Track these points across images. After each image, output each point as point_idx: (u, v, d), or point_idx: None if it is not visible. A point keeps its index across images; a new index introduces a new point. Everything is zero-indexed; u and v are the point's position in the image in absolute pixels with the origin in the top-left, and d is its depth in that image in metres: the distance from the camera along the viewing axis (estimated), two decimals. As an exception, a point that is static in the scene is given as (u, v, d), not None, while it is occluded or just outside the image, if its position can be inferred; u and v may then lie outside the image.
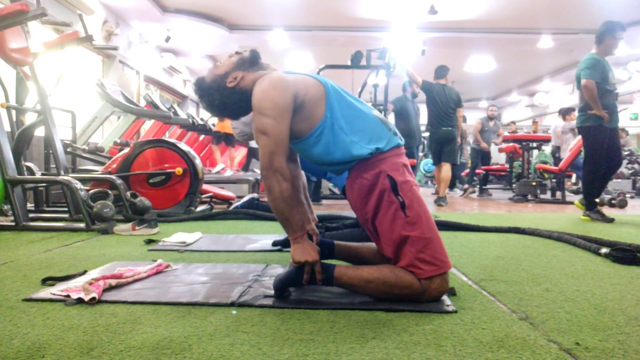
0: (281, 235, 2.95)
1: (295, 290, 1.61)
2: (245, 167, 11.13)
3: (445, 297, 1.53)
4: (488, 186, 8.55)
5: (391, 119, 6.86)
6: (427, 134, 7.39)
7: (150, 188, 3.99)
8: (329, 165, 1.64)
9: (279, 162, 1.46)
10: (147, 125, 6.80)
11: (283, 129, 1.49)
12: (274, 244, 2.19)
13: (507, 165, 8.38)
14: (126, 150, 4.15)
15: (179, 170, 3.97)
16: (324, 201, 5.93)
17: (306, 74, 1.65)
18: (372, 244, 1.77)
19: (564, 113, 8.10)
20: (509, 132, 8.79)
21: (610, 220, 4.01)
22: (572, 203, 6.27)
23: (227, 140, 7.18)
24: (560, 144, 8.11)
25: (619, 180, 8.77)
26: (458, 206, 5.78)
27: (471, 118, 11.38)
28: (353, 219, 2.85)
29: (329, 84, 1.63)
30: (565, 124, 8.10)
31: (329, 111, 1.56)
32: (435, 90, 5.93)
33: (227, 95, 1.63)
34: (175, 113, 6.20)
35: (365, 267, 1.53)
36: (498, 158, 10.11)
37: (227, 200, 5.07)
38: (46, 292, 1.56)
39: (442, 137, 5.91)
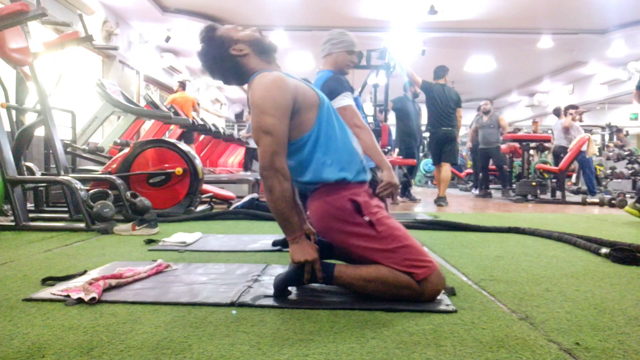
0: (281, 235, 2.95)
1: (295, 290, 1.61)
2: (245, 166, 11.14)
3: (445, 297, 1.53)
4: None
5: (391, 117, 6.85)
6: (427, 134, 7.37)
7: (150, 188, 3.99)
8: (294, 181, 1.63)
9: (280, 162, 1.46)
10: (147, 125, 6.80)
11: (285, 129, 1.48)
12: (274, 244, 2.19)
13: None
14: (126, 150, 4.15)
15: (179, 170, 3.97)
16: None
17: (305, 80, 1.66)
18: None
19: (566, 109, 8.03)
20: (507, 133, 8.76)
21: None
22: (572, 203, 6.28)
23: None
24: (566, 143, 8.04)
25: (619, 180, 8.77)
26: (458, 206, 5.78)
27: (471, 118, 11.38)
28: None
29: (324, 98, 1.63)
30: (562, 121, 8.06)
31: (317, 125, 1.56)
32: (435, 90, 5.93)
33: (223, 58, 1.63)
34: (176, 113, 6.20)
35: (365, 266, 1.53)
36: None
37: (227, 200, 5.07)
38: (46, 292, 1.56)
39: (442, 137, 5.91)
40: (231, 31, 1.66)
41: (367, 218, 1.51)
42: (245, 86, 1.65)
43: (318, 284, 1.58)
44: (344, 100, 2.47)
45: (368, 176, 1.66)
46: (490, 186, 8.23)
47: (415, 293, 1.47)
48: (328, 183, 1.55)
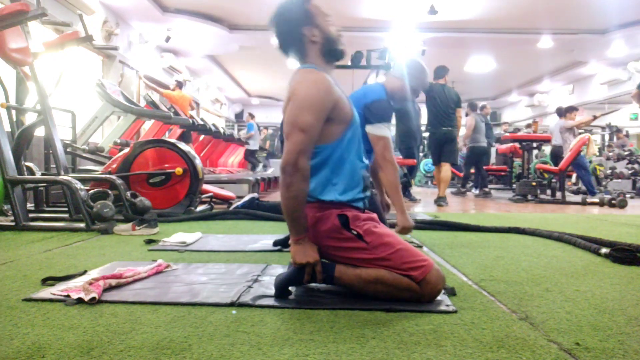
0: (281, 235, 2.95)
1: (295, 290, 1.61)
2: (253, 167, 11.16)
3: (445, 297, 1.53)
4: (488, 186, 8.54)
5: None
6: (427, 134, 7.36)
7: (150, 188, 3.99)
8: None
9: (303, 162, 1.45)
10: (147, 125, 6.80)
11: (318, 132, 1.48)
12: (275, 243, 2.18)
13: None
14: (126, 150, 4.15)
15: (179, 170, 3.97)
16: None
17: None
18: None
19: (565, 111, 8.05)
20: (506, 132, 8.78)
21: None
22: (572, 203, 6.28)
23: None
24: (562, 142, 8.06)
25: (619, 180, 8.76)
26: (458, 206, 5.78)
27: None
28: None
29: (356, 119, 1.63)
30: (564, 122, 8.06)
31: (339, 142, 1.56)
32: (435, 90, 5.93)
33: (292, 29, 1.60)
34: (176, 113, 6.20)
35: (365, 268, 1.53)
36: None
37: (227, 200, 5.07)
38: (46, 292, 1.56)
39: (442, 137, 5.91)
40: (319, 14, 1.63)
41: (354, 232, 1.52)
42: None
43: (318, 284, 1.59)
44: (384, 130, 2.43)
45: (364, 204, 1.65)
46: (490, 186, 8.25)
47: (416, 294, 1.47)
48: (322, 200, 1.55)
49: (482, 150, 7.98)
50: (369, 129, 2.42)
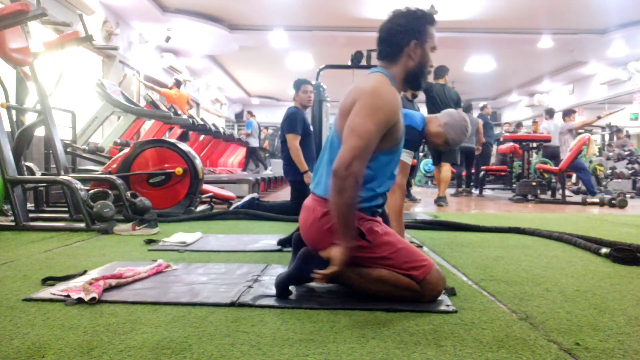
0: (281, 235, 2.95)
1: (295, 290, 1.61)
2: (245, 166, 11.14)
3: (445, 297, 1.53)
4: (488, 186, 8.55)
5: None
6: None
7: (151, 188, 3.99)
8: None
9: (357, 166, 1.41)
10: (147, 125, 6.80)
11: (375, 143, 1.47)
12: (280, 242, 2.16)
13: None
14: (126, 150, 4.15)
15: (179, 170, 3.97)
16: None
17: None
18: None
19: (564, 115, 8.09)
20: (507, 132, 8.78)
21: None
22: (572, 203, 6.28)
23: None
24: (560, 144, 8.09)
25: (619, 180, 8.76)
26: (458, 206, 5.78)
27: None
28: None
29: (402, 142, 1.63)
30: (564, 124, 8.08)
31: (380, 159, 1.55)
32: (435, 90, 5.93)
33: (401, 32, 1.59)
34: (176, 113, 6.20)
35: (366, 267, 1.53)
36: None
37: (227, 200, 5.07)
38: (46, 292, 1.56)
39: (442, 137, 5.89)
40: (432, 41, 1.63)
41: (357, 229, 1.52)
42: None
43: (319, 283, 1.59)
44: (405, 157, 2.48)
45: (372, 213, 1.64)
46: (490, 186, 8.26)
47: (416, 294, 1.47)
48: (326, 199, 1.55)
49: (467, 149, 8.00)
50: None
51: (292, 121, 4.15)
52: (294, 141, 4.10)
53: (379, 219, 1.64)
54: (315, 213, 1.57)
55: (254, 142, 11.14)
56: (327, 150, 1.62)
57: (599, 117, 7.85)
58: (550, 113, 8.77)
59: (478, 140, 7.92)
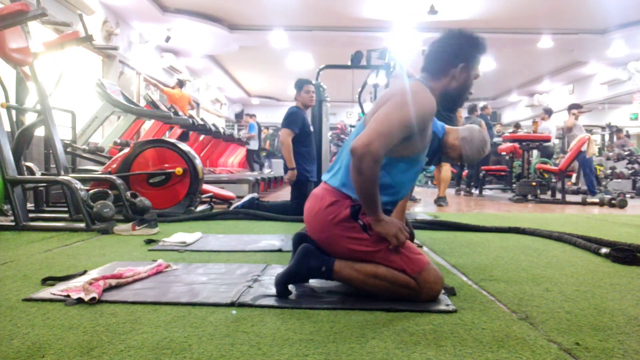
0: (281, 235, 2.95)
1: (295, 290, 1.61)
2: (252, 166, 11.15)
3: (445, 297, 1.53)
4: (487, 186, 8.55)
5: None
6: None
7: (150, 188, 3.99)
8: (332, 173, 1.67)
9: (376, 148, 1.42)
10: (147, 125, 6.80)
11: (398, 134, 1.47)
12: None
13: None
14: (126, 150, 4.15)
15: (179, 170, 3.97)
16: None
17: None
18: None
19: (570, 108, 7.99)
20: (498, 133, 8.78)
21: None
22: (572, 203, 6.28)
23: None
24: (568, 141, 8.03)
25: (619, 180, 8.77)
26: (458, 206, 5.78)
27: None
28: None
29: (425, 153, 1.65)
30: (567, 120, 8.03)
31: (403, 164, 1.58)
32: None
33: (452, 53, 1.60)
34: (176, 113, 6.20)
35: (364, 263, 1.54)
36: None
37: (227, 200, 5.07)
38: (46, 292, 1.56)
39: (442, 137, 5.89)
40: (476, 68, 1.65)
41: (360, 222, 1.53)
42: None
43: (318, 278, 1.58)
44: None
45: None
46: (490, 186, 8.27)
47: (414, 292, 1.48)
48: (347, 196, 1.56)
49: None
50: None
51: (291, 118, 4.17)
52: (287, 137, 4.12)
53: None
54: (323, 202, 1.59)
55: (254, 145, 11.16)
56: (348, 146, 1.62)
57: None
58: (548, 112, 8.80)
59: None
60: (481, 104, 8.70)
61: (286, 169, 4.20)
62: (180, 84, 8.58)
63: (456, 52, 1.61)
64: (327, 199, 1.58)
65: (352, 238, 1.53)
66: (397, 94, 1.54)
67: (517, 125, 10.63)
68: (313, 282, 1.71)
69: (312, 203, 1.64)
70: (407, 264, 1.48)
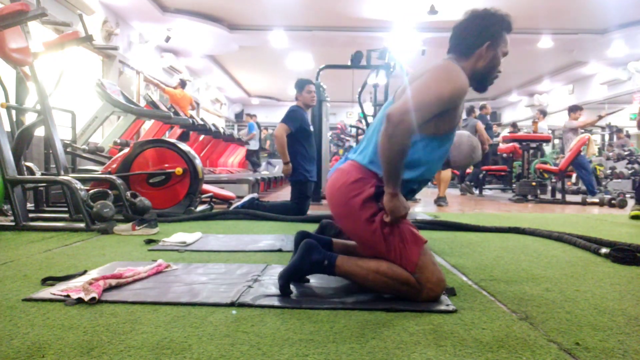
0: (281, 235, 2.95)
1: (295, 290, 1.61)
2: (253, 165, 11.16)
3: (445, 297, 1.53)
4: (488, 186, 8.57)
5: None
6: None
7: (150, 188, 3.99)
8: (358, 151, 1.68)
9: (410, 118, 1.42)
10: (147, 125, 6.80)
11: (431, 109, 1.47)
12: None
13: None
14: (126, 150, 4.15)
15: (179, 170, 3.97)
16: (324, 201, 5.93)
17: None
18: None
19: (569, 110, 8.01)
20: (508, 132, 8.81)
21: None
22: (572, 203, 6.28)
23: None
24: (564, 142, 8.08)
25: (619, 180, 8.77)
26: (458, 206, 5.78)
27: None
28: None
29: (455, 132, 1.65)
30: (568, 122, 8.06)
31: (435, 141, 1.57)
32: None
33: (477, 33, 1.60)
34: (176, 113, 6.20)
35: (366, 259, 1.55)
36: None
37: (227, 200, 5.07)
38: (46, 292, 1.56)
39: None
40: (504, 47, 1.64)
41: (380, 205, 1.53)
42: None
43: (320, 273, 1.58)
44: None
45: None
46: (489, 186, 8.29)
47: (414, 290, 1.48)
48: (374, 174, 1.57)
49: None
50: None
51: (291, 116, 4.18)
52: (282, 131, 4.12)
53: None
54: (348, 176, 1.60)
55: (254, 145, 11.16)
56: (377, 125, 1.63)
57: (600, 117, 7.84)
58: (543, 113, 8.87)
59: (483, 140, 7.96)
60: (480, 103, 8.70)
61: (293, 169, 4.19)
62: (183, 84, 8.58)
63: (481, 31, 1.59)
64: (354, 175, 1.59)
65: (366, 220, 1.53)
66: (433, 70, 1.53)
67: (514, 125, 10.65)
68: (313, 282, 1.72)
69: (336, 176, 1.64)
70: (408, 248, 1.49)
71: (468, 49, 1.61)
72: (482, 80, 1.65)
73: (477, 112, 8.41)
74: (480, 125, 8.07)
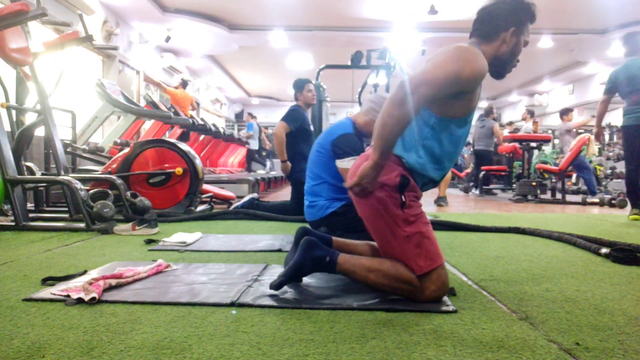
0: (281, 235, 2.95)
1: (295, 290, 1.61)
2: (249, 167, 11.15)
3: (445, 297, 1.53)
4: (488, 186, 8.56)
5: None
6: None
7: (150, 188, 3.99)
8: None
9: (424, 91, 1.41)
10: (147, 125, 6.80)
11: (445, 86, 1.44)
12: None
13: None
14: (126, 150, 4.15)
15: (179, 170, 3.97)
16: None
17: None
18: (368, 242, 1.79)
19: (561, 114, 8.09)
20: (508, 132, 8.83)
21: None
22: (572, 203, 6.28)
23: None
24: (562, 144, 8.12)
25: (619, 180, 8.77)
26: (458, 206, 5.78)
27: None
28: None
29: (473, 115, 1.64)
30: (562, 124, 8.08)
31: (454, 125, 1.56)
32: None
33: (502, 17, 1.59)
34: (176, 113, 6.20)
35: (369, 258, 1.55)
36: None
37: (227, 200, 5.07)
38: (46, 292, 1.56)
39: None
40: (527, 34, 1.63)
41: (403, 198, 1.51)
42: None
43: (321, 271, 1.58)
44: (351, 164, 2.49)
45: (423, 184, 1.64)
46: (491, 186, 8.30)
47: (416, 290, 1.48)
48: (399, 161, 1.55)
49: (480, 152, 8.30)
50: (338, 163, 2.49)
51: (291, 115, 4.19)
52: (282, 130, 4.13)
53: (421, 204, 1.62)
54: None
55: (254, 145, 11.14)
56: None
57: (594, 116, 7.86)
58: (531, 113, 8.98)
59: (500, 143, 8.08)
60: (484, 103, 8.74)
61: (292, 167, 4.19)
62: (184, 84, 8.58)
63: (508, 15, 1.58)
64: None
65: (384, 210, 1.51)
66: (454, 49, 1.51)
67: (510, 124, 10.68)
68: (313, 282, 1.72)
69: (361, 162, 1.61)
70: (422, 259, 1.47)
71: (493, 32, 1.59)
72: (502, 66, 1.63)
73: (495, 113, 8.50)
74: (497, 127, 8.14)
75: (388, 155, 1.46)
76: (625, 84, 4.31)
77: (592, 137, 6.05)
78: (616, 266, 2.15)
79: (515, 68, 1.72)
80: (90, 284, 1.54)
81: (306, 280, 1.72)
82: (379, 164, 1.44)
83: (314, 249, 1.54)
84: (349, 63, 5.75)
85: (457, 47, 1.50)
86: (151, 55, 9.40)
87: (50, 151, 3.77)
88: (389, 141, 1.43)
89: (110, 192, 3.45)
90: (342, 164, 2.47)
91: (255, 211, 3.92)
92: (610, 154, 9.45)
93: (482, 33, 1.62)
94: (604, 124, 11.87)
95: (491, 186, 8.34)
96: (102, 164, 4.63)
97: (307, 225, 2.46)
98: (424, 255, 1.48)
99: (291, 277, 1.55)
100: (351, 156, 2.47)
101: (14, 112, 3.56)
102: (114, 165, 4.04)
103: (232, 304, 1.45)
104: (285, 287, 1.60)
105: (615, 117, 11.99)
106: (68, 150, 4.35)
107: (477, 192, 8.24)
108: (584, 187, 7.47)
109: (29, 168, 3.71)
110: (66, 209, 3.64)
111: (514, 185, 7.37)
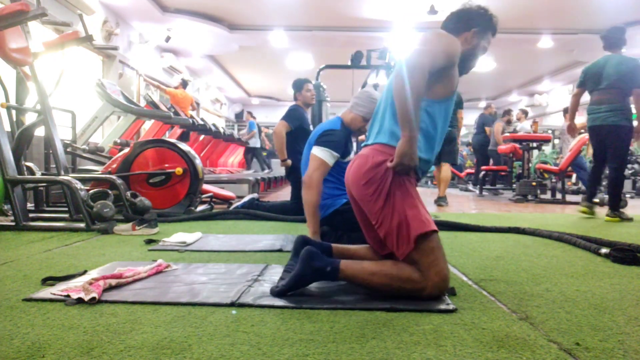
0: (281, 235, 2.95)
1: (295, 291, 1.61)
2: (249, 165, 11.14)
3: (445, 297, 1.53)
4: (488, 186, 8.56)
5: None
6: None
7: (151, 188, 3.99)
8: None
9: (422, 62, 1.54)
10: (147, 125, 6.80)
11: (435, 61, 1.58)
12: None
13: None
14: (126, 150, 4.15)
15: (179, 170, 3.97)
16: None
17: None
18: (368, 247, 1.81)
19: (564, 112, 8.09)
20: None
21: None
22: (572, 203, 6.27)
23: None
24: (562, 143, 8.15)
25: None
26: (458, 206, 5.78)
27: (471, 118, 11.37)
28: None
29: (456, 95, 1.78)
30: (564, 123, 8.08)
31: (439, 105, 1.67)
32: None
33: (466, 17, 1.78)
34: (176, 113, 6.20)
35: (369, 261, 1.56)
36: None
37: (227, 200, 5.07)
38: (46, 292, 1.56)
39: (442, 137, 5.91)
40: (489, 38, 1.81)
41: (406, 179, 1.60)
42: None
43: (323, 280, 1.58)
44: (326, 155, 2.53)
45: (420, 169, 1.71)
46: (489, 186, 8.32)
47: (419, 286, 1.49)
48: (389, 145, 1.63)
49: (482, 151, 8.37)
50: (314, 149, 2.54)
51: (292, 114, 4.20)
52: (282, 128, 4.14)
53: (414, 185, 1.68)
54: (374, 159, 1.64)
55: (255, 143, 11.14)
56: (388, 104, 1.70)
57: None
58: (524, 113, 9.07)
59: (499, 142, 8.13)
60: (483, 103, 8.76)
61: (289, 170, 4.19)
62: (184, 84, 8.58)
63: (472, 17, 1.77)
64: (378, 157, 1.63)
65: (382, 193, 1.57)
66: (432, 32, 1.69)
67: (508, 122, 10.71)
68: (313, 283, 1.71)
69: (361, 161, 1.68)
70: (417, 224, 1.51)
71: (458, 28, 1.77)
72: (464, 60, 1.76)
73: (493, 108, 8.63)
74: (498, 128, 8.20)
75: (414, 128, 1.53)
76: (591, 82, 4.19)
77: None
78: (616, 266, 2.15)
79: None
80: (90, 284, 1.54)
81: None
82: (412, 137, 1.53)
83: (314, 260, 1.55)
84: (349, 63, 5.76)
85: (435, 31, 1.70)
86: (151, 55, 9.40)
87: (50, 151, 3.77)
88: (409, 113, 1.51)
89: (110, 192, 3.45)
90: (316, 151, 2.53)
91: (255, 211, 3.92)
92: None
93: (450, 28, 1.79)
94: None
95: (497, 186, 8.36)
96: (102, 164, 4.63)
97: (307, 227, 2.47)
98: (420, 221, 1.53)
99: (292, 287, 1.55)
100: (329, 149, 2.53)
101: (14, 112, 3.56)
102: (114, 165, 4.04)
103: (232, 304, 1.45)
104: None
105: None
106: (68, 150, 4.35)
107: (477, 190, 8.25)
108: (584, 188, 7.46)
109: (29, 168, 3.71)
110: (66, 209, 3.64)
111: (514, 185, 7.37)
